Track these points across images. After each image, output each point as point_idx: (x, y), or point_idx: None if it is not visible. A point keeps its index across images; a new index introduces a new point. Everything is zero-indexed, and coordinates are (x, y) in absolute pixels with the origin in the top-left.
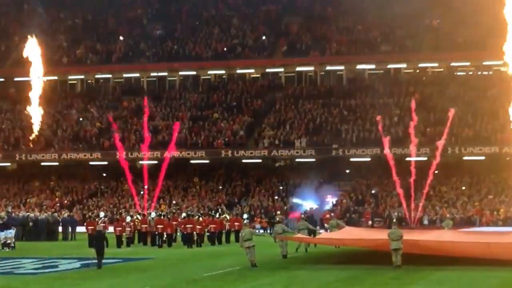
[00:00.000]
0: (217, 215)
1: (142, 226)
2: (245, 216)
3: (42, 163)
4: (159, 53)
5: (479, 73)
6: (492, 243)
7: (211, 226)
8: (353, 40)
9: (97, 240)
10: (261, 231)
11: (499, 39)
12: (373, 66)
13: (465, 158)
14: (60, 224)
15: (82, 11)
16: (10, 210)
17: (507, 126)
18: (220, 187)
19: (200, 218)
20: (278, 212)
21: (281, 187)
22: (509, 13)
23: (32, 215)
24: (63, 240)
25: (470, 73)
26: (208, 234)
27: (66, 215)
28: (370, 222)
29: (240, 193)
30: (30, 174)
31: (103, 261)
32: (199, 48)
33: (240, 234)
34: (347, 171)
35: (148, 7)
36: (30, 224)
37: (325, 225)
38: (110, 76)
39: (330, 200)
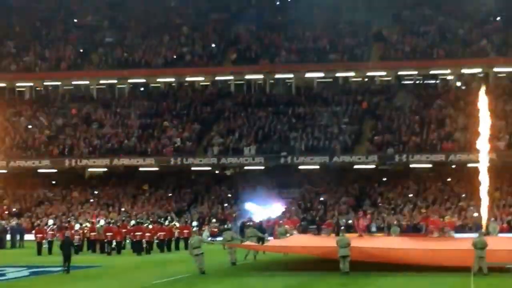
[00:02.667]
0: (166, 223)
1: (91, 233)
2: (194, 223)
3: None
4: (108, 60)
5: (426, 81)
6: (438, 249)
7: (160, 233)
8: (302, 49)
9: (66, 246)
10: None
11: (446, 48)
12: (321, 75)
13: (412, 165)
14: (8, 232)
15: (31, 17)
16: None
17: (453, 135)
18: (170, 195)
19: (150, 226)
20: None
21: (229, 195)
22: None
23: None
24: (11, 248)
25: (417, 81)
26: (157, 241)
27: (14, 223)
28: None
29: (189, 201)
30: None
31: (54, 268)
32: (149, 55)
33: (189, 241)
34: (296, 178)
35: (97, 14)
36: None
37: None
38: (59, 83)
39: (279, 208)
